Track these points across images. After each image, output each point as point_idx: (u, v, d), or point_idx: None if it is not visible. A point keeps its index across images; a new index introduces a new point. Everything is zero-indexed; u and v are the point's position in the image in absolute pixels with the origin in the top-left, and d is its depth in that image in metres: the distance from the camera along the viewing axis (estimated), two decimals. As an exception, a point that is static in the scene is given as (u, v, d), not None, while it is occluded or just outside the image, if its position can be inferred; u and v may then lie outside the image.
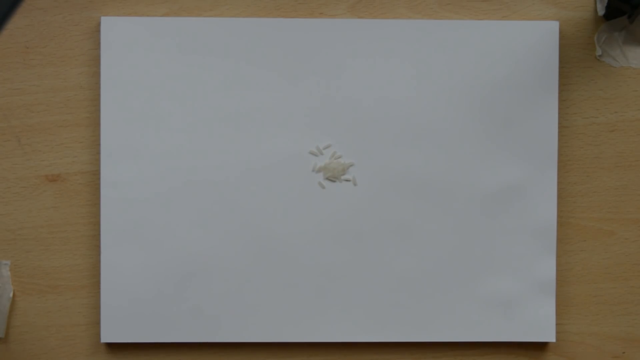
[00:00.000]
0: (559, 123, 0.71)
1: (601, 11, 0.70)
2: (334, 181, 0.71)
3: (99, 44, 0.71)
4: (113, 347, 0.72)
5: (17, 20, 0.70)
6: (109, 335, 0.71)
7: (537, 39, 0.71)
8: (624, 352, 0.73)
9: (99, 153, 0.71)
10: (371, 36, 0.70)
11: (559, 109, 0.71)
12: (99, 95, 0.71)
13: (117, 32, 0.70)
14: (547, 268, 0.71)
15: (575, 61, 0.72)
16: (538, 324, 0.71)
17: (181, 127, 0.70)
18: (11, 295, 0.71)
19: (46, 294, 0.72)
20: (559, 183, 0.72)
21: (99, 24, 0.71)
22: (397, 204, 0.71)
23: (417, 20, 0.71)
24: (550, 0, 0.71)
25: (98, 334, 0.72)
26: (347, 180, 0.71)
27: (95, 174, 0.71)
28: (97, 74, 0.71)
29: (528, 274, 0.71)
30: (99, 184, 0.71)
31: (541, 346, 0.72)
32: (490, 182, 0.71)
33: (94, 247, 0.71)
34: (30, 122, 0.71)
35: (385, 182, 0.71)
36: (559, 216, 0.72)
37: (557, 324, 0.72)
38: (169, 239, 0.71)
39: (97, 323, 0.72)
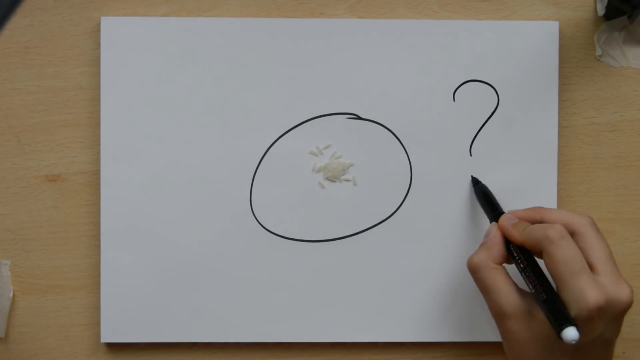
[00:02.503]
0: (559, 123, 0.71)
1: (601, 11, 0.70)
2: (334, 181, 0.71)
3: (99, 44, 0.71)
4: (113, 347, 0.72)
5: (17, 20, 0.70)
6: (109, 335, 0.71)
7: (537, 39, 0.71)
8: (624, 352, 0.73)
9: (99, 153, 0.71)
10: (371, 36, 0.70)
11: (559, 109, 0.71)
12: (99, 95, 0.71)
13: (117, 32, 0.70)
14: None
15: (575, 61, 0.72)
16: (538, 324, 0.71)
17: (181, 127, 0.70)
18: (11, 295, 0.71)
19: (46, 294, 0.72)
20: (559, 183, 0.72)
21: (99, 24, 0.71)
22: (397, 204, 0.71)
23: (417, 20, 0.71)
24: (550, 0, 0.71)
25: (98, 334, 0.72)
26: (347, 180, 0.71)
27: (95, 174, 0.71)
28: (97, 74, 0.71)
29: (528, 274, 0.71)
30: (99, 184, 0.71)
31: (541, 346, 0.72)
32: (490, 182, 0.71)
33: (94, 247, 0.71)
34: (30, 122, 0.71)
35: (385, 182, 0.71)
36: (559, 216, 0.72)
37: (557, 324, 0.72)
38: (169, 239, 0.70)
39: (97, 323, 0.72)
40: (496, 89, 0.71)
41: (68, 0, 0.71)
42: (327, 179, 0.71)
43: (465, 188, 0.71)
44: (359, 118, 0.71)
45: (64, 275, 0.72)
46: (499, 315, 0.62)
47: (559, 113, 0.71)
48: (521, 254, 0.62)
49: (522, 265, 0.62)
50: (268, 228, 0.71)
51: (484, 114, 0.71)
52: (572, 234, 0.61)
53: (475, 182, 0.70)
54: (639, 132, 0.72)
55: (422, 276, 0.71)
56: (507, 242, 0.64)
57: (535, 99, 0.71)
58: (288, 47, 0.70)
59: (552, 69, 0.71)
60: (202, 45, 0.70)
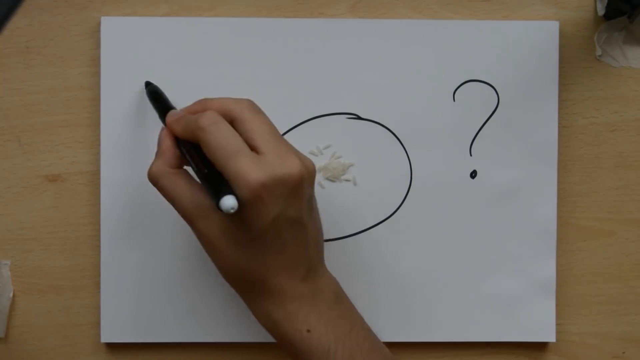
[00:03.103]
0: (559, 123, 0.71)
1: (601, 11, 0.70)
2: (334, 181, 0.71)
3: (99, 44, 0.71)
4: (113, 347, 0.72)
5: (17, 20, 0.70)
6: (109, 335, 0.71)
7: (537, 39, 0.71)
8: (624, 352, 0.73)
9: (99, 153, 0.71)
10: (371, 36, 0.70)
11: (559, 109, 0.71)
12: (99, 95, 0.71)
13: (117, 32, 0.70)
14: (547, 268, 0.71)
15: (575, 61, 0.72)
16: (538, 324, 0.71)
17: (181, 127, 0.70)
18: (11, 295, 0.71)
19: (46, 294, 0.72)
20: (559, 183, 0.72)
21: (99, 24, 0.71)
22: (397, 204, 0.71)
23: (417, 20, 0.71)
24: (550, 0, 0.71)
25: (98, 334, 0.72)
26: (347, 180, 0.71)
27: (95, 174, 0.71)
28: (97, 74, 0.71)
29: (528, 274, 0.71)
30: (99, 184, 0.71)
31: (541, 346, 0.72)
32: (490, 182, 0.71)
33: (94, 247, 0.71)
34: (30, 122, 0.71)
35: (385, 182, 0.71)
36: (559, 216, 0.72)
37: (557, 324, 0.72)
38: (168, 239, 0.70)
39: (97, 323, 0.72)
40: (496, 89, 0.71)
41: (68, 0, 0.71)
42: (327, 179, 0.71)
43: (465, 188, 0.71)
44: (359, 118, 0.71)
45: (64, 275, 0.72)
46: (187, 219, 0.59)
47: (559, 113, 0.71)
48: (191, 150, 0.59)
49: (190, 161, 0.59)
50: (268, 228, 0.71)
51: (484, 114, 0.71)
52: (232, 121, 0.58)
53: (147, 84, 0.68)
54: (639, 132, 0.72)
55: (421, 276, 0.71)
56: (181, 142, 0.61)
57: (535, 99, 0.71)
58: (288, 47, 0.70)
59: (552, 69, 0.71)
60: (202, 45, 0.70)
